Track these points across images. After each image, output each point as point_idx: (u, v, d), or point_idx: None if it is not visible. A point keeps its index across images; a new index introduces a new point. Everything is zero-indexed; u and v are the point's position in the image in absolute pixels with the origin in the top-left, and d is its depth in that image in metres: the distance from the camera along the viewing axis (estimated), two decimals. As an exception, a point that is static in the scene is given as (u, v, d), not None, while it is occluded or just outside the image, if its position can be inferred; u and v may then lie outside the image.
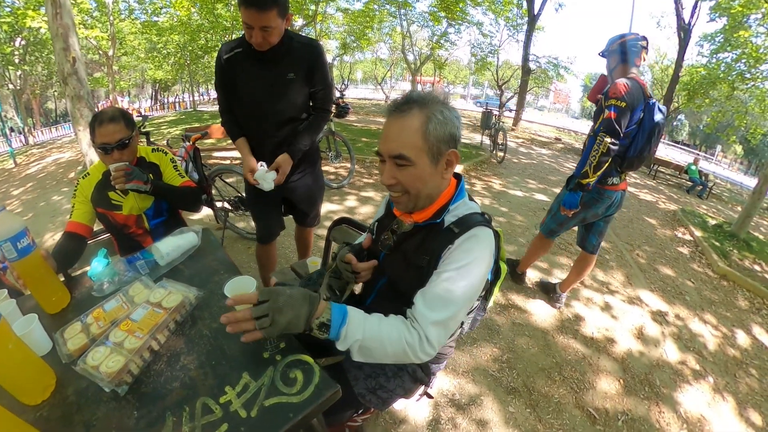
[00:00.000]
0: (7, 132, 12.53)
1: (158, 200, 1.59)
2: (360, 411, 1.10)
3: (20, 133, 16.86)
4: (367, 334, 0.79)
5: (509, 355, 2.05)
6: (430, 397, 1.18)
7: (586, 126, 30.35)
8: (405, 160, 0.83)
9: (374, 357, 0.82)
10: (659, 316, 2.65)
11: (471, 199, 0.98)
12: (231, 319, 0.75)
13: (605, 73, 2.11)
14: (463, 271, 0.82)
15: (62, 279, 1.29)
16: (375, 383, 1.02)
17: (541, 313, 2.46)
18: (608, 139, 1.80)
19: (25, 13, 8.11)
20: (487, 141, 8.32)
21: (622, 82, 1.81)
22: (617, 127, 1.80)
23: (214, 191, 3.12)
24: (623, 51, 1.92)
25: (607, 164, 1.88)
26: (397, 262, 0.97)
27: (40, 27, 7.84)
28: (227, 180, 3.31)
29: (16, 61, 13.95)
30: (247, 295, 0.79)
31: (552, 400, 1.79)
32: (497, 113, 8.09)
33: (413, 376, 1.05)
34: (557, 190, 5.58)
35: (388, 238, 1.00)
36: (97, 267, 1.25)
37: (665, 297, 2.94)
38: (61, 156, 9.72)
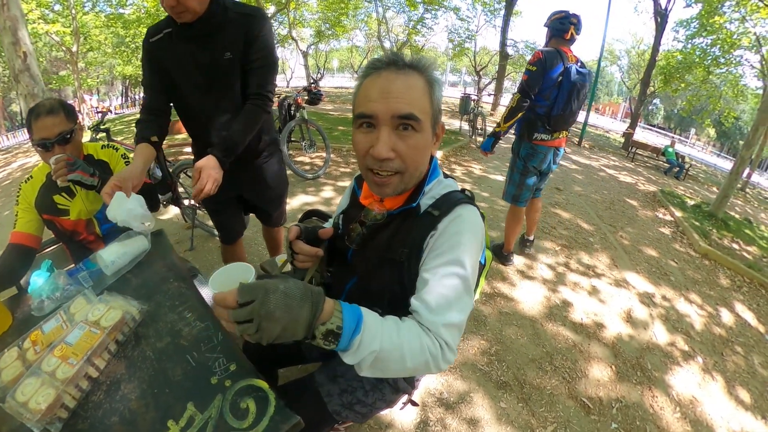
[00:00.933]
0: None
1: None
2: (352, 422, 0.99)
3: None
4: (385, 344, 0.61)
5: (498, 347, 1.98)
6: (414, 404, 1.08)
7: None
8: (414, 122, 0.67)
9: (388, 371, 0.64)
10: (646, 298, 2.63)
11: (447, 176, 0.85)
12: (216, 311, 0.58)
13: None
14: (458, 258, 0.69)
15: (15, 294, 1.18)
16: (352, 398, 0.90)
17: (528, 300, 2.40)
18: (518, 96, 2.22)
19: None
20: (465, 126, 8.23)
21: (537, 50, 2.20)
22: (526, 87, 2.19)
23: (180, 189, 2.93)
24: (555, 27, 2.23)
25: (516, 117, 2.28)
26: (369, 258, 0.83)
27: None
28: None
29: None
30: (224, 294, 0.56)
31: (544, 392, 1.73)
32: (475, 98, 8.01)
33: (394, 387, 0.94)
34: None
35: (355, 230, 0.85)
36: (37, 281, 1.10)
37: (651, 278, 2.93)
38: (27, 161, 9.17)
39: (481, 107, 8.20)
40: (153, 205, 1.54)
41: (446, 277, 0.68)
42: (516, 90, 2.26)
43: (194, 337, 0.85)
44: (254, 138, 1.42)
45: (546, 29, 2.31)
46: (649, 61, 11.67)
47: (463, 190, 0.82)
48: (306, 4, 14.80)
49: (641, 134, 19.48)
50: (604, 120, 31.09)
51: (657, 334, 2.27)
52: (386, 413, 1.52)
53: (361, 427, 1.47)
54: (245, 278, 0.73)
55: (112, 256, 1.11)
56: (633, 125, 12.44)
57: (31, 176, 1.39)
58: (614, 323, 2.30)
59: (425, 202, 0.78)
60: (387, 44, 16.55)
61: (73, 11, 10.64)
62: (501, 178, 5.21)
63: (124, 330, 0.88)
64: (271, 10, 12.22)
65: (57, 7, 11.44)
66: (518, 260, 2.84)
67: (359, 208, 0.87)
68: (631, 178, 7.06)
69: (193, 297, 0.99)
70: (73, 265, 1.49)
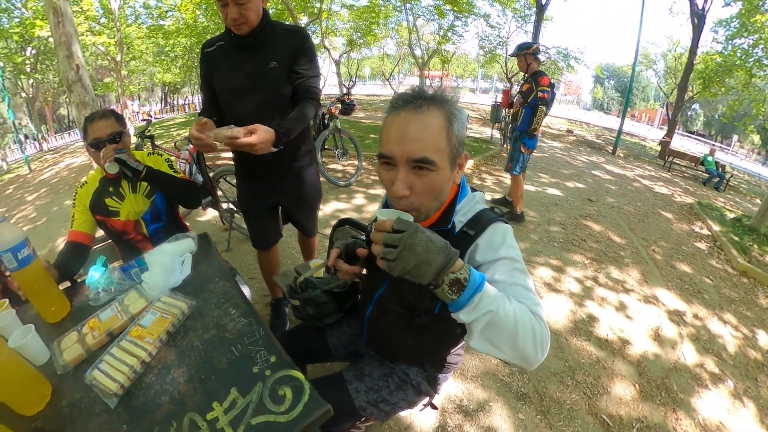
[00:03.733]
0: (22, 139, 12.74)
1: (155, 204, 1.57)
2: (363, 419, 1.05)
3: (34, 139, 17.20)
4: (500, 309, 0.63)
5: (519, 358, 1.99)
6: (434, 407, 1.13)
7: (598, 118, 29.77)
8: (429, 164, 0.70)
9: (499, 341, 0.65)
10: (676, 316, 2.55)
11: (473, 189, 0.88)
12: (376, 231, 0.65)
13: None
14: (509, 252, 0.74)
15: (69, 286, 1.30)
16: (377, 396, 0.97)
17: (553, 313, 2.38)
18: (544, 108, 3.25)
19: (33, 22, 8.27)
20: (497, 134, 8.16)
21: (545, 76, 3.24)
22: (549, 102, 3.27)
23: (219, 193, 3.12)
24: (537, 54, 3.34)
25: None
26: None
27: (50, 36, 7.99)
28: (232, 181, 3.29)
29: (28, 69, 14.07)
30: (384, 221, 0.65)
31: (564, 407, 1.72)
32: None
33: (417, 389, 1.00)
34: (569, 185, 5.60)
35: None
36: (94, 275, 1.22)
37: (683, 295, 2.83)
38: (73, 161, 9.88)
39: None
40: (194, 200, 1.65)
41: (514, 273, 0.73)
42: (540, 104, 3.23)
43: (238, 331, 0.94)
44: (293, 148, 1.52)
45: (522, 57, 3.35)
46: (687, 65, 11.18)
47: (492, 208, 0.84)
48: (338, 14, 15.13)
49: (679, 142, 18.59)
50: (640, 127, 29.89)
51: (685, 354, 2.19)
52: (406, 415, 1.57)
53: (381, 427, 1.52)
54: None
55: (162, 256, 1.22)
56: (670, 133, 11.91)
57: (86, 181, 1.54)
58: (641, 341, 2.24)
59: (459, 219, 0.81)
60: (418, 52, 16.62)
61: (118, 23, 11.41)
62: (532, 188, 5.14)
63: (175, 323, 0.98)
64: (303, 20, 12.62)
65: (103, 20, 12.31)
66: (545, 273, 2.83)
67: None
68: (667, 189, 6.78)
69: (237, 295, 1.08)
70: (121, 261, 1.64)
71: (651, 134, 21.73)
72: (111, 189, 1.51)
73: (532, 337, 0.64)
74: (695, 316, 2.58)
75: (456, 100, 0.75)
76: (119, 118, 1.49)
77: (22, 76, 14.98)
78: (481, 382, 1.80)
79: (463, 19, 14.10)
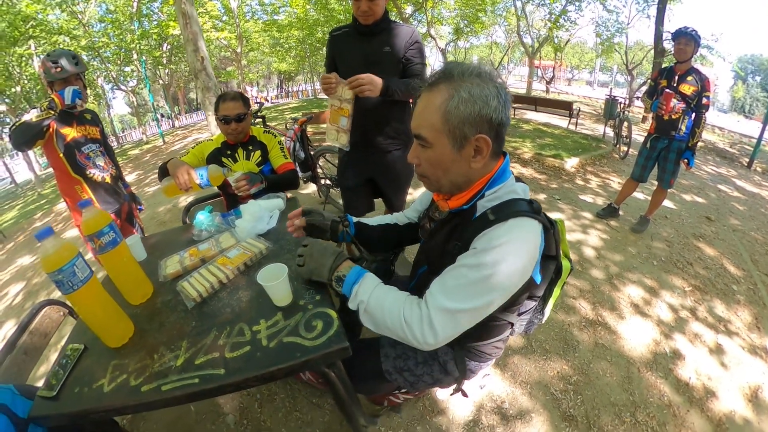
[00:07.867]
0: (159, 117, 15.81)
1: (262, 172, 1.87)
2: (403, 389, 1.13)
3: (169, 118, 21.59)
4: (372, 299, 0.83)
5: (579, 377, 1.83)
6: (465, 395, 1.12)
7: (735, 122, 23.85)
8: (422, 140, 0.78)
9: (377, 325, 0.84)
10: (790, 379, 2.04)
11: (519, 180, 0.86)
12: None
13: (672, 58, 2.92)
14: (486, 258, 0.72)
15: (182, 225, 1.67)
16: (404, 365, 1.03)
17: (632, 338, 2.11)
18: (707, 117, 2.82)
19: (168, 23, 10.38)
20: (610, 132, 7.29)
21: (708, 78, 2.71)
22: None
23: (318, 170, 3.49)
24: (698, 40, 2.73)
25: None
26: (434, 250, 0.93)
27: (181, 34, 9.82)
28: (331, 160, 3.60)
29: (164, 61, 17.23)
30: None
31: (613, 443, 1.54)
32: (623, 101, 7.04)
33: (444, 367, 1.02)
34: (686, 197, 4.85)
35: (427, 223, 0.99)
36: (200, 218, 1.55)
37: (807, 355, 2.24)
38: (199, 136, 11.84)
39: (629, 112, 7.14)
40: (295, 186, 1.92)
41: (468, 269, 0.75)
42: (704, 111, 2.77)
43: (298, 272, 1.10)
44: (389, 127, 1.75)
45: (692, 43, 2.69)
46: None
47: (531, 201, 0.80)
48: (444, 2, 14.93)
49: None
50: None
51: (790, 429, 1.73)
52: (443, 399, 1.59)
53: (416, 404, 1.58)
54: (282, 274, 0.97)
55: (255, 207, 1.45)
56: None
57: (212, 139, 1.92)
58: (731, 397, 1.84)
59: (485, 204, 0.81)
60: (527, 40, 15.53)
61: (237, 20, 13.21)
62: (641, 196, 4.41)
63: (253, 258, 1.21)
64: (408, 10, 12.79)
65: (225, 18, 14.36)
66: (635, 292, 2.53)
67: (434, 206, 0.99)
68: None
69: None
70: (226, 210, 1.98)
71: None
72: (229, 152, 1.87)
73: (399, 323, 0.79)
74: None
75: (474, 74, 0.73)
76: (245, 101, 1.82)
77: (159, 67, 18.61)
78: (529, 390, 1.73)
79: (577, 3, 12.76)
